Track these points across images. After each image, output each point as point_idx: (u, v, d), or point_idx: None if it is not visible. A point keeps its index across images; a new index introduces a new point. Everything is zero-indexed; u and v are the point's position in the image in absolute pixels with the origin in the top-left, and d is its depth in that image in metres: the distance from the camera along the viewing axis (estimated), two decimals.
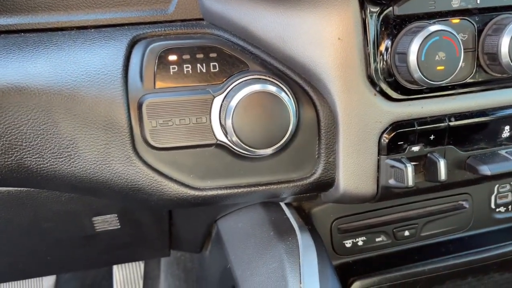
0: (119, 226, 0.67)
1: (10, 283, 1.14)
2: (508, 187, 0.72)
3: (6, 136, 0.47)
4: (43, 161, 0.49)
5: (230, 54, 0.51)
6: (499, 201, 0.73)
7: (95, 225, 0.67)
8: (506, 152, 0.55)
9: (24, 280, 1.12)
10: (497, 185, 0.71)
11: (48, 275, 1.07)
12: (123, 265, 1.26)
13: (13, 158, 0.49)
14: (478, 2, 0.50)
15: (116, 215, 0.65)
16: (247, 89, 0.47)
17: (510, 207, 0.73)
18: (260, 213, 0.61)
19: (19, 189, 0.60)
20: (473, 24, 0.50)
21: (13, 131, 0.47)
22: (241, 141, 0.47)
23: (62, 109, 0.48)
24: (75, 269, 1.02)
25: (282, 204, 0.62)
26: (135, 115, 0.48)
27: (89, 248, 0.72)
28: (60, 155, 0.49)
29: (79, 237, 0.68)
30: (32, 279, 1.13)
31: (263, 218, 0.60)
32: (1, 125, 0.47)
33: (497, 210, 0.73)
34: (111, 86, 0.48)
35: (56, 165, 0.49)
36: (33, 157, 0.49)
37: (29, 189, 0.59)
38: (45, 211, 0.61)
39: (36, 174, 0.49)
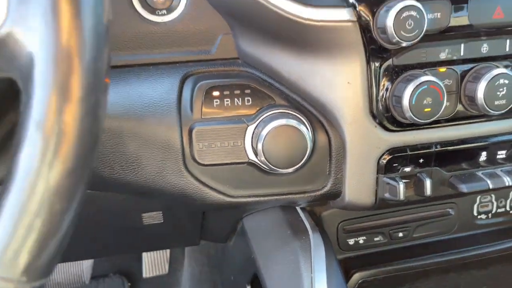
0: (162, 221, 0.81)
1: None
2: (489, 198, 0.84)
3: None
4: (113, 172, 0.62)
5: (260, 90, 0.64)
6: (480, 209, 0.85)
7: (143, 219, 0.81)
8: (482, 174, 0.67)
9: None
10: (479, 196, 0.84)
11: (102, 256, 1.22)
12: None
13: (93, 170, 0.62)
14: (462, 54, 0.62)
15: (161, 212, 0.79)
16: (274, 122, 0.60)
17: (490, 215, 0.85)
18: (280, 214, 0.74)
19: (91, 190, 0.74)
20: (456, 72, 0.62)
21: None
22: (268, 161, 0.60)
23: (130, 132, 0.61)
24: (122, 253, 1.17)
25: (298, 208, 0.75)
26: (186, 139, 0.61)
27: (136, 237, 0.86)
28: (127, 168, 0.62)
29: (130, 228, 0.82)
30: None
31: (282, 218, 0.73)
32: None
33: (479, 217, 0.85)
34: (168, 115, 0.61)
35: (123, 176, 0.63)
36: (106, 169, 0.62)
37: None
38: (107, 207, 0.75)
39: (108, 182, 0.63)
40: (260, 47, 0.64)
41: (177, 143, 0.61)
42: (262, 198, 0.66)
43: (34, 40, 0.27)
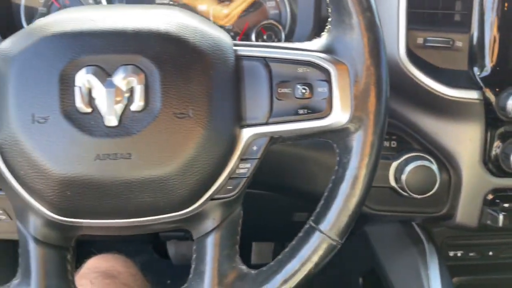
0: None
1: None
2: None
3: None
4: (296, 182, 0.91)
5: (402, 137, 0.90)
6: None
7: (294, 217, 1.10)
8: None
9: None
10: None
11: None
12: None
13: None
14: None
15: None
16: (415, 162, 0.85)
17: None
18: (399, 226, 1.00)
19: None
20: None
21: None
22: (407, 188, 0.86)
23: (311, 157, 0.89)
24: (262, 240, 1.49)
25: (413, 223, 1.00)
26: None
27: (281, 230, 1.16)
28: (307, 180, 0.91)
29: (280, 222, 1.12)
30: None
31: (401, 230, 0.99)
32: None
33: None
34: None
35: (302, 185, 0.91)
36: (292, 179, 0.91)
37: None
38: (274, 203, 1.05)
39: (289, 188, 0.92)
40: (405, 106, 0.90)
41: None
42: (394, 213, 0.92)
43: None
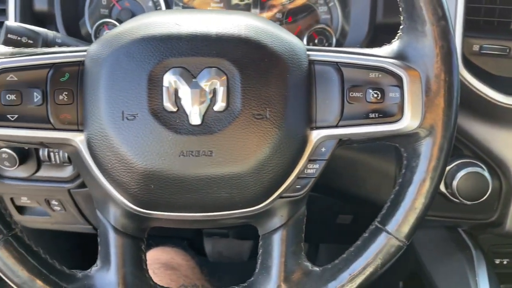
0: (350, 222, 1.11)
1: None
2: None
3: None
4: (345, 184, 0.93)
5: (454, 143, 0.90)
6: None
7: (337, 220, 1.11)
8: None
9: None
10: None
11: None
12: None
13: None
14: None
15: (352, 215, 1.09)
16: (467, 168, 0.86)
17: None
18: (444, 232, 1.00)
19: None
20: None
21: None
22: (458, 194, 0.86)
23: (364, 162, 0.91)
24: None
25: (459, 229, 1.00)
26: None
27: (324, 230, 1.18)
28: (354, 183, 0.92)
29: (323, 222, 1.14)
30: None
31: (447, 235, 0.99)
32: None
33: None
34: (388, 153, 0.90)
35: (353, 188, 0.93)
36: (341, 181, 0.93)
37: None
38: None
39: (338, 191, 0.93)
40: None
41: (392, 171, 0.90)
42: (442, 219, 0.92)
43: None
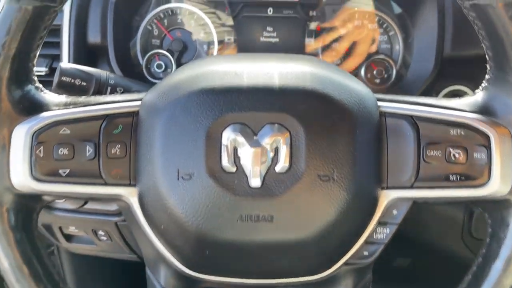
0: None
1: None
2: None
3: None
4: None
5: None
6: None
7: None
8: None
9: None
10: None
11: None
12: None
13: None
14: None
15: None
16: None
17: None
18: None
19: None
20: None
21: None
22: None
23: None
24: None
25: None
26: None
27: None
28: (416, 228, 0.85)
29: None
30: None
31: None
32: None
33: None
34: None
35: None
36: None
37: None
38: None
39: None
40: None
41: (460, 218, 0.82)
42: None
43: None
